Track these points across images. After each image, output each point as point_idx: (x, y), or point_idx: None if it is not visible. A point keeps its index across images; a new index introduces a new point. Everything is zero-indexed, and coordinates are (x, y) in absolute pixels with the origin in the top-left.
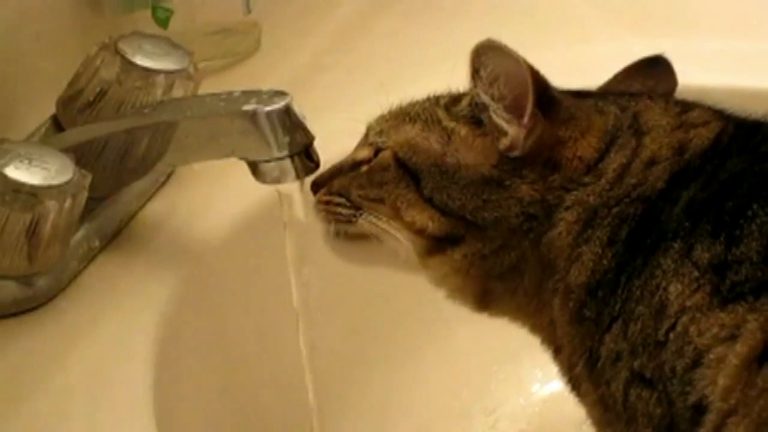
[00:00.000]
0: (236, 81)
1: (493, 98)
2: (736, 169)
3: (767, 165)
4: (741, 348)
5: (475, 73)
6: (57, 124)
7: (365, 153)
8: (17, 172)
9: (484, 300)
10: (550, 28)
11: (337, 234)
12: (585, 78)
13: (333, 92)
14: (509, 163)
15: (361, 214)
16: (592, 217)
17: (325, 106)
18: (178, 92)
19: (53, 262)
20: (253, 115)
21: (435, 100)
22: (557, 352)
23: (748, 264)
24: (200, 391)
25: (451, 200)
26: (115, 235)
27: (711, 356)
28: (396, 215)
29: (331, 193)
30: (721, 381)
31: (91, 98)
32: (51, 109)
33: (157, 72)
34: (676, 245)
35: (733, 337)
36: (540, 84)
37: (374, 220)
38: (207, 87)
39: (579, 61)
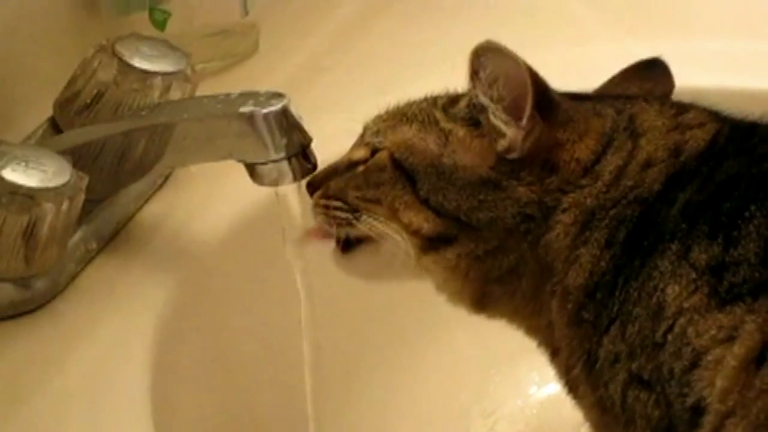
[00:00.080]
0: (234, 83)
1: (491, 100)
2: (733, 170)
3: (764, 166)
4: (739, 349)
5: (474, 74)
6: (54, 126)
7: (361, 153)
8: (14, 174)
9: (481, 302)
10: (549, 29)
11: (338, 241)
12: (583, 79)
13: (331, 93)
14: (507, 165)
15: (359, 216)
16: (589, 219)
17: (323, 107)
18: (175, 94)
19: (50, 265)
20: (250, 117)
21: (433, 101)
22: (555, 355)
23: (746, 265)
24: (198, 393)
25: (446, 201)
26: (112, 237)
27: (709, 358)
28: (393, 216)
29: (327, 196)
30: (719, 382)
31: (89, 100)
32: (48, 111)
33: (154, 74)
34: (673, 247)
35: (731, 339)
36: (539, 86)
37: (371, 221)
38: (204, 89)
39: (578, 62)
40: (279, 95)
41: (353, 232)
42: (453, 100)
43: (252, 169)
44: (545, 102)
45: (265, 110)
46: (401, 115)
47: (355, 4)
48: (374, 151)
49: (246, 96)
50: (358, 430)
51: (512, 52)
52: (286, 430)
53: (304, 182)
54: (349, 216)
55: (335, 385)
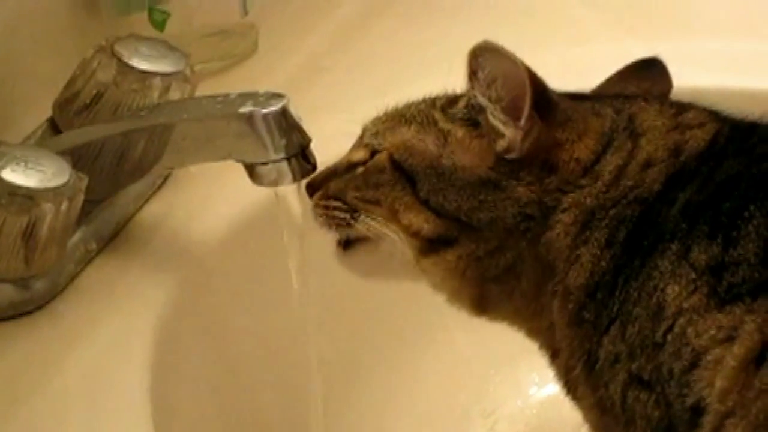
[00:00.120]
0: (233, 83)
1: (490, 100)
2: (733, 170)
3: (764, 166)
4: (738, 349)
5: (472, 74)
6: (54, 127)
7: (361, 154)
8: (13, 175)
9: (481, 304)
10: (549, 29)
11: (339, 242)
12: (583, 80)
13: (330, 94)
14: (506, 165)
15: (358, 217)
16: (589, 219)
17: (323, 107)
18: (174, 95)
19: (50, 265)
20: (249, 118)
21: (431, 102)
22: (554, 356)
23: (746, 265)
24: (198, 393)
25: (447, 202)
26: (112, 237)
27: (708, 358)
28: (392, 217)
29: (327, 197)
30: (719, 383)
31: (88, 101)
32: (47, 112)
33: (153, 74)
34: (673, 247)
35: (730, 339)
36: (537, 86)
37: (371, 222)
38: (204, 89)
39: (577, 62)
40: (278, 95)
41: (352, 233)
42: (452, 100)
43: (251, 170)
44: (544, 102)
45: (264, 110)
46: (400, 117)
47: (354, 4)
48: (373, 153)
49: (245, 96)
50: (358, 430)
51: (510, 52)
52: (286, 430)
53: (303, 183)
54: (348, 216)
55: (335, 386)
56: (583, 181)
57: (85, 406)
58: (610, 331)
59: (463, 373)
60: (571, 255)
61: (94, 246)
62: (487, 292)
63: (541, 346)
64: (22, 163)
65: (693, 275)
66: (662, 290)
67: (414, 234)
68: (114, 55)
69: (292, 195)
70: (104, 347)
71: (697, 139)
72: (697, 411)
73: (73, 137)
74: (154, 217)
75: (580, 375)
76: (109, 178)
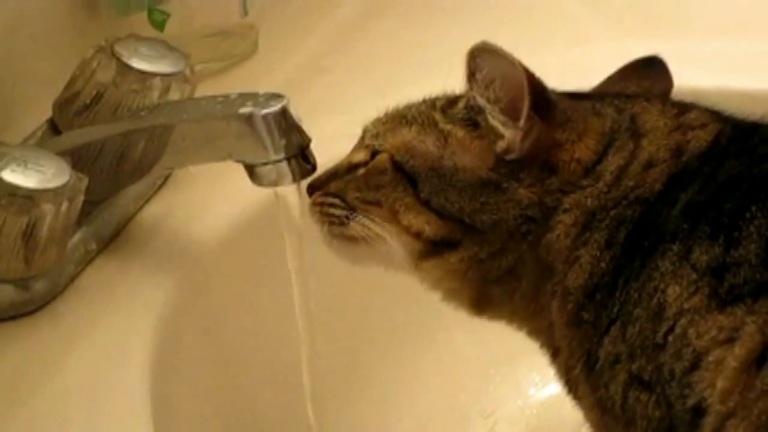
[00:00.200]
0: (233, 84)
1: (488, 101)
2: (734, 171)
3: (765, 167)
4: (739, 350)
5: (470, 75)
6: (53, 127)
7: (361, 156)
8: (13, 176)
9: (480, 304)
10: (549, 30)
11: (330, 236)
12: (583, 80)
13: (330, 94)
14: (506, 166)
15: (353, 217)
16: (590, 220)
17: (323, 108)
18: (174, 95)
19: (50, 266)
20: (249, 118)
21: (431, 103)
22: (555, 355)
23: (747, 266)
24: (197, 393)
25: (449, 203)
26: (112, 238)
27: (709, 359)
28: (393, 218)
29: (327, 194)
30: (720, 383)
31: (88, 101)
32: (47, 112)
33: (153, 75)
34: (674, 247)
35: (731, 340)
36: (536, 86)
37: (367, 222)
38: (204, 90)
39: (577, 63)
40: (278, 96)
41: (346, 232)
42: (451, 101)
43: (251, 170)
44: (542, 102)
45: (264, 111)
46: (400, 118)
47: (354, 4)
48: (374, 154)
49: (245, 97)
50: (357, 430)
51: (508, 52)
52: (285, 430)
53: (303, 183)
54: (344, 215)
55: (335, 386)
56: (585, 182)
57: (85, 407)
58: (611, 331)
59: (463, 373)
60: (571, 256)
61: (94, 246)
62: (487, 293)
63: (542, 346)
64: (22, 164)
65: (694, 276)
66: (663, 291)
67: (415, 235)
68: (114, 55)
69: (292, 195)
70: (104, 347)
71: (699, 139)
72: (698, 412)
73: (73, 138)
74: (154, 218)
75: (580, 375)
76: (109, 178)
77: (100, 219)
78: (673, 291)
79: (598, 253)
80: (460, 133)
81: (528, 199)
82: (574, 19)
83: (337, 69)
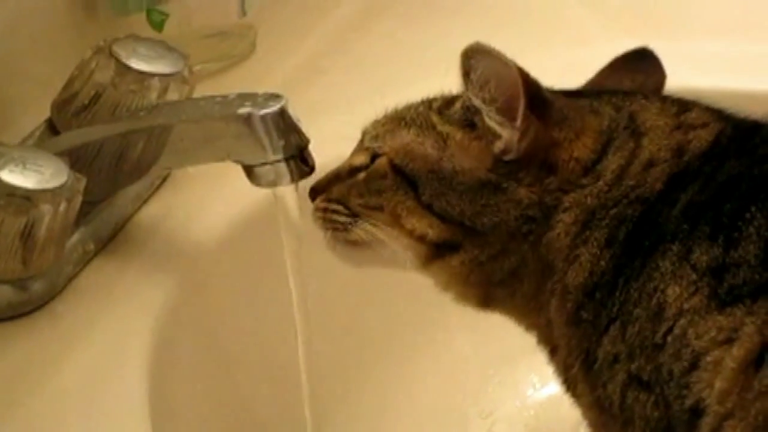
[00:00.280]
0: (231, 84)
1: (484, 101)
2: (735, 171)
3: (765, 167)
4: (738, 351)
5: (465, 76)
6: (52, 128)
7: (362, 159)
8: (11, 176)
9: (486, 302)
10: (547, 30)
11: (333, 241)
12: (582, 80)
13: (329, 95)
14: (505, 167)
15: (356, 223)
16: (590, 219)
17: (321, 109)
18: (173, 95)
19: (48, 266)
20: (247, 119)
21: (428, 104)
22: (553, 353)
23: (746, 267)
24: (196, 394)
25: (450, 206)
26: (110, 238)
27: (708, 359)
28: (396, 223)
29: (329, 200)
30: (718, 384)
31: (86, 101)
32: (46, 113)
33: (151, 75)
34: (674, 248)
35: (730, 341)
36: (531, 86)
37: (369, 228)
38: (202, 90)
39: (576, 63)
40: (276, 96)
41: (350, 237)
42: (448, 102)
43: (250, 171)
44: (538, 101)
45: (262, 111)
46: (399, 120)
47: (352, 5)
48: (374, 156)
49: (243, 97)
50: (355, 430)
51: (501, 53)
52: (283, 430)
53: (301, 184)
54: (347, 221)
55: (333, 387)
56: (584, 181)
57: (84, 407)
58: (610, 331)
59: (462, 373)
60: (571, 254)
61: (92, 247)
62: (492, 294)
63: (539, 342)
64: (21, 164)
65: (694, 276)
66: (663, 291)
67: (418, 239)
68: (112, 55)
69: (291, 196)
70: (102, 348)
71: (701, 139)
72: (696, 412)
73: (72, 138)
74: (153, 218)
75: (578, 373)
76: (108, 179)
77: (99, 219)
78: (672, 291)
79: (598, 252)
80: (458, 134)
81: (528, 199)
82: (573, 20)
83: (336, 69)
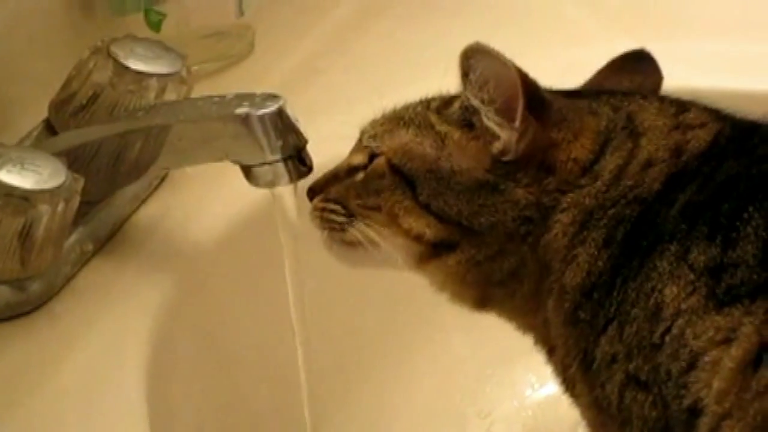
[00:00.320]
0: (229, 84)
1: (483, 102)
2: (733, 171)
3: (764, 167)
4: (736, 351)
5: (464, 76)
6: (49, 128)
7: (360, 158)
8: (9, 176)
9: (482, 303)
10: (546, 31)
11: (330, 241)
12: (581, 81)
13: (327, 95)
14: (503, 167)
15: (353, 223)
16: (587, 219)
17: (320, 109)
18: (170, 95)
19: (46, 266)
20: (245, 119)
21: (426, 104)
22: (551, 353)
23: (744, 267)
24: (194, 394)
25: (447, 206)
26: (108, 238)
27: (706, 359)
28: (393, 222)
29: (327, 200)
30: (716, 384)
31: (84, 102)
32: (43, 113)
33: (149, 75)
34: (672, 248)
35: (728, 341)
36: (530, 86)
37: (365, 229)
38: (200, 90)
39: (575, 64)
40: (274, 97)
41: (346, 238)
42: (447, 102)
43: (248, 171)
44: (537, 102)
45: (260, 112)
46: (397, 119)
47: (350, 5)
48: (372, 156)
49: (241, 97)
50: (353, 430)
51: (501, 53)
52: (281, 430)
53: (300, 184)
54: (344, 221)
55: (331, 387)
56: (583, 181)
57: (82, 407)
58: (608, 331)
59: (460, 373)
60: (568, 255)
61: (90, 247)
62: (489, 293)
63: (536, 342)
64: (18, 165)
65: (692, 276)
66: (661, 291)
67: (415, 238)
68: (110, 56)
69: (289, 196)
70: (100, 348)
71: (699, 139)
72: (694, 412)
73: (70, 138)
74: (151, 219)
75: (576, 373)
76: (106, 179)
77: (97, 219)
78: (670, 291)
79: (596, 252)
80: (456, 134)
81: (526, 200)
82: (571, 20)
83: (334, 69)
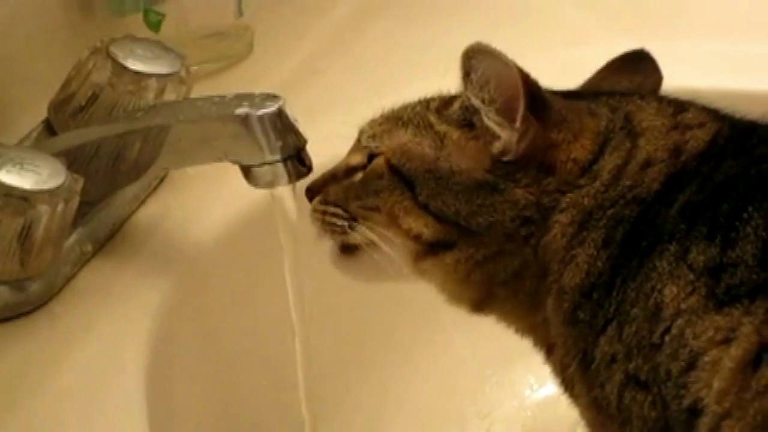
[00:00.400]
0: (229, 84)
1: (484, 102)
2: (732, 171)
3: (763, 167)
4: (736, 351)
5: (465, 76)
6: (49, 128)
7: (358, 158)
8: (9, 177)
9: (481, 305)
10: (545, 31)
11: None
12: (580, 81)
13: (326, 95)
14: (503, 168)
15: (355, 225)
16: (587, 219)
17: (319, 109)
18: (170, 96)
19: (46, 267)
20: (245, 119)
21: (426, 104)
22: (550, 352)
23: (744, 267)
24: (194, 394)
25: (445, 206)
26: (107, 239)
27: (706, 359)
28: (392, 223)
29: (326, 202)
30: (716, 384)
31: (83, 102)
32: (43, 113)
33: (148, 75)
34: (671, 248)
35: (727, 340)
36: (531, 87)
37: (367, 231)
38: (199, 90)
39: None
40: (274, 97)
41: (348, 240)
42: (446, 102)
43: (247, 171)
44: (538, 103)
45: (259, 112)
46: (396, 119)
47: (350, 6)
48: (371, 156)
49: (241, 98)
50: (353, 431)
51: (502, 53)
52: (281, 430)
53: (299, 184)
54: (345, 224)
55: (331, 388)
56: (582, 181)
57: (82, 407)
58: (607, 331)
59: (459, 374)
60: (567, 255)
61: (89, 248)
62: (492, 293)
63: (535, 343)
64: (18, 165)
65: (691, 276)
66: (660, 291)
67: (414, 238)
68: (109, 56)
69: (288, 196)
70: (100, 349)
71: (698, 139)
72: (694, 412)
73: (69, 139)
74: (150, 219)
75: (575, 373)
76: (105, 179)
77: (96, 220)
78: (670, 291)
79: (595, 252)
80: (455, 134)
81: (525, 200)
82: (571, 20)
83: (333, 70)
